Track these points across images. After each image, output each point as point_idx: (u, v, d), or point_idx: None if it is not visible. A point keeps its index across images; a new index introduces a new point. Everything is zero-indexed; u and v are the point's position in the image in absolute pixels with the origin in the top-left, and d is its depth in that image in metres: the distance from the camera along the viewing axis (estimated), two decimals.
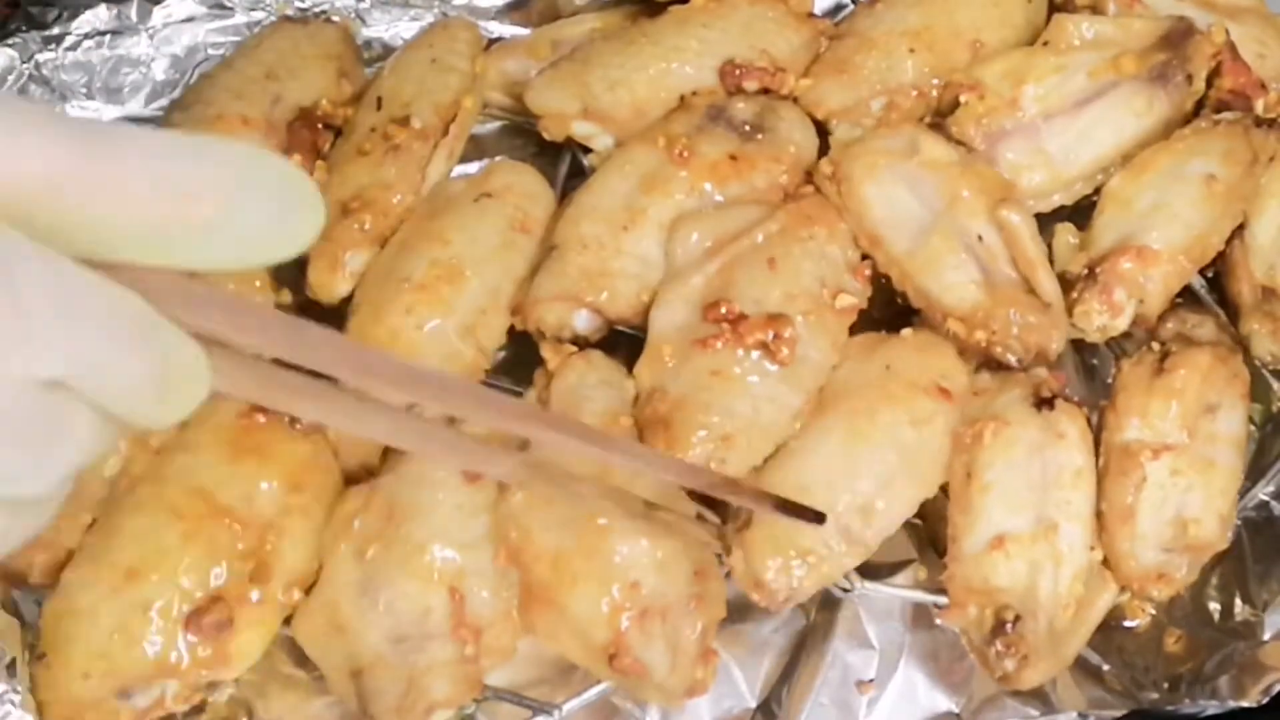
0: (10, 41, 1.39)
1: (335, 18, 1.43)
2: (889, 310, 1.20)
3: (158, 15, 1.43)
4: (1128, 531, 1.09)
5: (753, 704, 1.12)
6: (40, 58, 1.40)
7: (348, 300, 1.19)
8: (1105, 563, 1.10)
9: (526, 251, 1.20)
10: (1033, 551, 1.05)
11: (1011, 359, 1.12)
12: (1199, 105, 1.29)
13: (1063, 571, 1.06)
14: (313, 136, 1.26)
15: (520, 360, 1.20)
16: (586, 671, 1.06)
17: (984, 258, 1.15)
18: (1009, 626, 1.03)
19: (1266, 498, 1.20)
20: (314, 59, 1.31)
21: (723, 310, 1.09)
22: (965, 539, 1.06)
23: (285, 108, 1.27)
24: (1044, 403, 1.09)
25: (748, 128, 1.24)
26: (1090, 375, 1.27)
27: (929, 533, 1.16)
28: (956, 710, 1.12)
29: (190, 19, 1.44)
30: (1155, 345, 1.16)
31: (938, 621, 1.09)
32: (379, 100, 1.28)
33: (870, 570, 1.11)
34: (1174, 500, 1.09)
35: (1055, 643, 1.05)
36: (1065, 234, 1.23)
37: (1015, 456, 1.07)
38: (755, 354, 1.08)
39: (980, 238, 1.15)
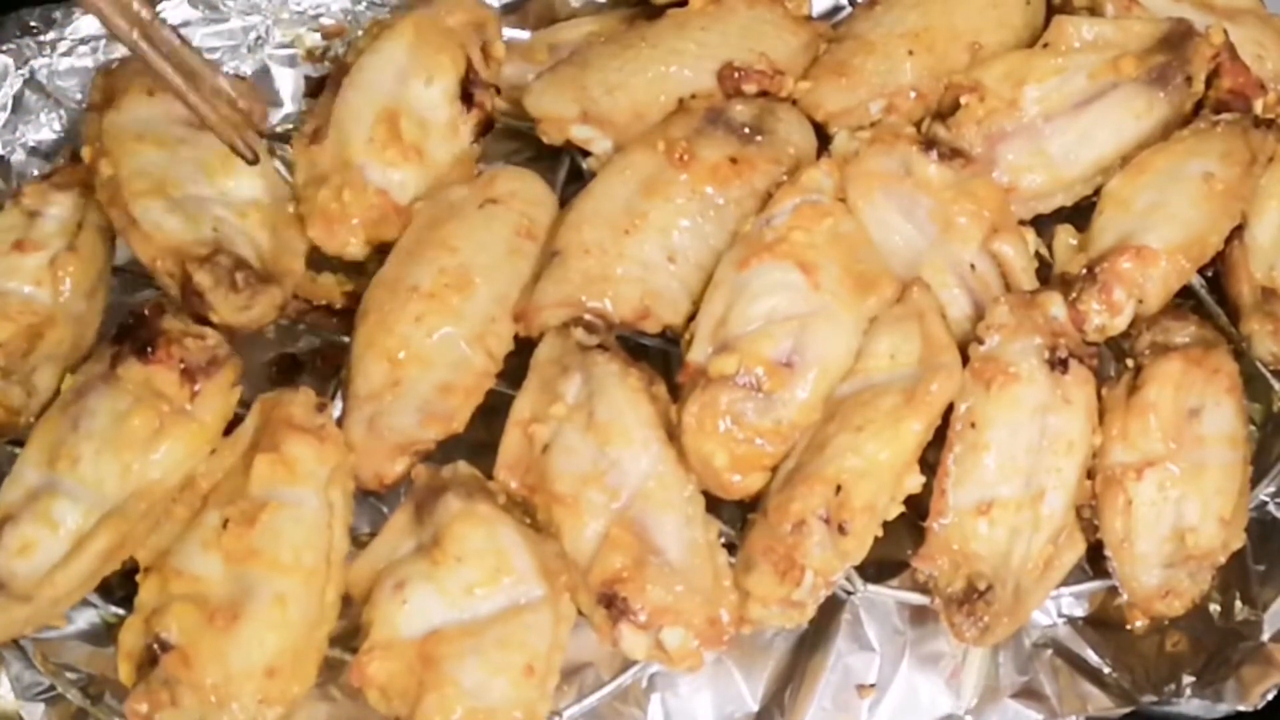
0: (5, 48, 1.38)
1: (329, 21, 1.44)
2: None
3: None
4: (1128, 555, 1.09)
5: (755, 708, 1.12)
6: (35, 64, 1.38)
7: (353, 308, 1.18)
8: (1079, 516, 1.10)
9: (533, 258, 1.19)
10: (1016, 519, 1.06)
11: None
12: (1198, 106, 1.29)
13: (1039, 536, 1.07)
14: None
15: (527, 366, 1.18)
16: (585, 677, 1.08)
17: (976, 289, 1.16)
18: (978, 595, 1.03)
19: (1266, 498, 1.20)
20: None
21: None
22: (954, 492, 1.06)
23: None
24: (1059, 363, 1.09)
25: (747, 130, 1.24)
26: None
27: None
28: (958, 712, 1.12)
29: (185, 24, 1.43)
30: (1129, 363, 1.16)
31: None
32: None
33: (871, 571, 1.11)
34: (1169, 515, 1.09)
35: (1018, 602, 1.06)
36: (1065, 234, 1.23)
37: (1019, 418, 1.07)
38: None
39: (973, 267, 1.16)
